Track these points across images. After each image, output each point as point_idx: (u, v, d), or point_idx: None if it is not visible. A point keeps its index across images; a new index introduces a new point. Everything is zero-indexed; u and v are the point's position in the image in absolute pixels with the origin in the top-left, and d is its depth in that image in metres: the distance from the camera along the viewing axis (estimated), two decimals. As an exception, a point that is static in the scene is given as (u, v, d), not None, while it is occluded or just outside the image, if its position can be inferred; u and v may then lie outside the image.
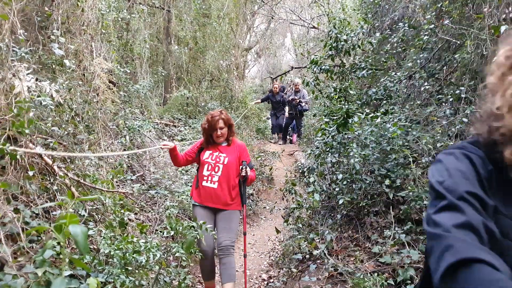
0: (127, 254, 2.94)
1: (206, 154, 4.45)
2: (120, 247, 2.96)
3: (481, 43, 4.74)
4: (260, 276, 5.91)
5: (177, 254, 3.01)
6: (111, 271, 2.84)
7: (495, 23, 4.37)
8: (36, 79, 4.03)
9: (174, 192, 6.71)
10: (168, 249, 2.97)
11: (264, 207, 9.35)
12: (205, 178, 4.36)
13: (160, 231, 4.85)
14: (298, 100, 13.25)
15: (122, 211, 3.85)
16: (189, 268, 5.42)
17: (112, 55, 7.35)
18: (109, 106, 5.99)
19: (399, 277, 3.85)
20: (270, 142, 14.16)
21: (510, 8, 4.11)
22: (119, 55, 9.17)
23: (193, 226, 2.99)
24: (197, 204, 4.45)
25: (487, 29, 4.49)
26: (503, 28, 4.06)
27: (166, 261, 3.28)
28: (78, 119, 5.26)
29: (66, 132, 4.66)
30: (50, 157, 3.56)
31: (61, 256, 1.93)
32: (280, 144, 13.78)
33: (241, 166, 4.47)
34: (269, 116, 15.39)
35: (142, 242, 2.95)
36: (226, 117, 4.42)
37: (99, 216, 3.80)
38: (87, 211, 3.68)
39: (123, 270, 2.89)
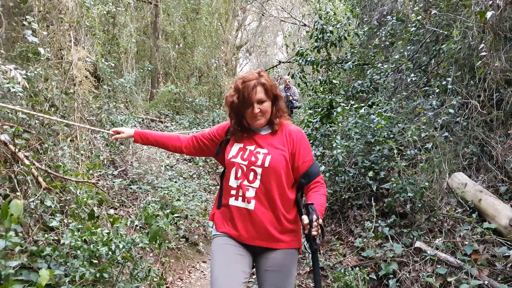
0: (91, 246, 2.78)
1: (234, 150, 2.48)
2: (84, 238, 2.79)
3: (468, 31, 4.62)
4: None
5: (140, 245, 2.84)
6: (73, 264, 2.67)
7: (482, 9, 4.25)
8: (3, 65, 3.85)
9: (157, 188, 6.54)
10: (133, 240, 2.80)
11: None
12: (233, 192, 2.41)
13: (137, 226, 4.69)
14: (290, 98, 13.10)
15: (94, 203, 3.67)
16: (169, 264, 5.26)
17: (97, 49, 7.17)
18: (87, 98, 5.81)
19: (382, 271, 3.72)
20: None
21: (496, -5, 4.00)
22: (104, 49, 9.00)
23: (158, 215, 2.83)
24: (219, 234, 2.46)
25: (474, 16, 4.37)
26: (489, 14, 3.95)
27: (133, 253, 3.11)
28: (54, 110, 5.08)
29: (39, 122, 4.48)
30: (14, 145, 3.38)
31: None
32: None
33: (303, 207, 2.39)
34: None
35: (105, 233, 2.78)
36: (269, 83, 2.44)
37: (67, 207, 3.62)
38: (55, 201, 3.50)
39: (86, 263, 2.72)
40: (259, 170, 2.35)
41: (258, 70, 2.52)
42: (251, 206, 2.34)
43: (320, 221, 2.15)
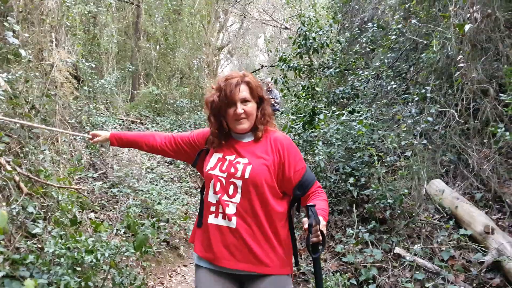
0: (76, 253, 2.76)
1: (212, 161, 2.20)
2: (68, 246, 2.78)
3: (447, 42, 4.75)
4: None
5: (127, 254, 2.84)
6: (57, 272, 2.66)
7: (460, 22, 4.38)
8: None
9: (138, 191, 6.51)
10: (119, 248, 2.80)
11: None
12: (212, 208, 2.13)
13: (120, 231, 4.66)
14: (272, 101, 13.17)
15: (76, 209, 3.64)
16: (150, 268, 5.24)
17: (77, 49, 7.08)
18: (68, 100, 5.74)
19: (362, 277, 3.80)
20: None
21: (474, 8, 4.13)
22: (85, 49, 8.89)
23: (143, 224, 2.83)
24: (200, 266, 2.19)
25: (453, 27, 4.50)
26: (467, 27, 4.07)
27: (119, 261, 3.11)
28: (34, 112, 5.01)
29: (19, 125, 4.41)
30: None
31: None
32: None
33: (303, 210, 2.24)
34: None
35: (91, 241, 2.77)
36: (254, 83, 2.19)
37: (50, 213, 3.58)
38: (37, 207, 3.46)
39: (70, 271, 2.71)
40: (239, 183, 2.06)
41: (243, 71, 2.27)
42: (233, 224, 2.05)
43: (322, 225, 1.89)
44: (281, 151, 2.13)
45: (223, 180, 2.10)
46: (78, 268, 2.89)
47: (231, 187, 2.08)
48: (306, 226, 1.87)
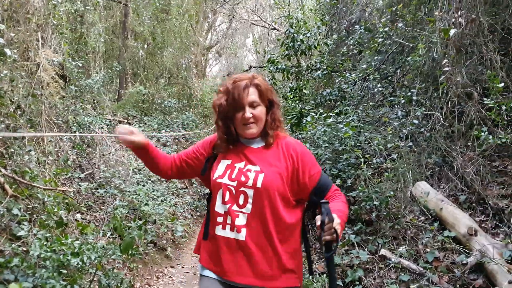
0: (61, 256, 2.75)
1: (220, 169, 2.07)
2: (53, 248, 2.76)
3: (432, 46, 4.82)
4: (211, 278, 5.76)
5: (113, 257, 2.83)
6: (42, 275, 2.64)
7: (445, 26, 4.45)
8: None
9: (125, 192, 6.47)
10: (105, 250, 2.79)
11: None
12: (219, 219, 2.01)
13: (106, 234, 4.64)
14: None
15: (62, 211, 3.62)
16: (137, 270, 5.22)
17: (64, 48, 7.02)
18: (55, 100, 5.68)
19: (348, 278, 3.83)
20: None
21: (459, 13, 4.19)
22: (72, 48, 8.81)
23: (130, 227, 2.83)
24: (205, 276, 2.07)
25: (438, 32, 4.56)
26: (452, 32, 4.13)
27: (105, 263, 3.10)
28: (19, 113, 4.96)
29: (4, 125, 4.37)
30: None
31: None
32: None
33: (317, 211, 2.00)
34: None
35: (77, 244, 2.76)
36: (264, 86, 2.08)
37: (35, 215, 3.56)
38: (22, 209, 3.43)
39: (56, 274, 2.69)
40: (250, 192, 1.93)
41: (252, 73, 2.16)
42: (241, 236, 1.92)
43: (336, 223, 1.78)
44: (294, 157, 2.02)
45: (233, 189, 1.96)
46: (64, 271, 2.87)
47: (241, 196, 1.94)
48: (318, 223, 1.80)
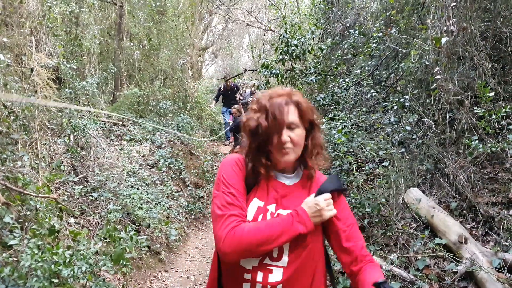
0: (53, 266, 2.75)
1: (251, 210, 1.68)
2: (45, 258, 2.76)
3: (424, 53, 4.85)
4: (204, 282, 5.78)
5: (104, 268, 2.84)
6: (33, 285, 2.64)
7: (438, 34, 4.48)
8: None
9: (119, 195, 6.47)
10: (97, 261, 2.80)
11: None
12: (247, 276, 1.62)
13: (99, 241, 4.64)
14: None
15: (55, 217, 3.62)
16: (130, 274, 5.23)
17: (58, 50, 7.01)
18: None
19: (340, 285, 3.86)
20: (224, 144, 13.84)
21: (451, 21, 4.22)
22: (66, 50, 8.80)
23: (122, 238, 2.84)
24: None
25: (430, 40, 4.59)
26: (443, 40, 4.16)
27: (98, 270, 3.11)
28: (13, 117, 4.95)
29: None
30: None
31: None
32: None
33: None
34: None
35: (68, 254, 2.77)
36: (305, 104, 1.73)
37: (27, 223, 3.55)
38: (14, 217, 3.43)
39: (47, 284, 2.70)
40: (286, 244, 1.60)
41: (289, 88, 1.80)
42: None
43: None
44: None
45: None
46: (56, 280, 2.88)
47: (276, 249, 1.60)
48: None
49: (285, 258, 1.60)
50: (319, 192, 1.67)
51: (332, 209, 1.63)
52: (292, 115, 1.66)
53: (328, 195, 1.65)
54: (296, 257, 1.61)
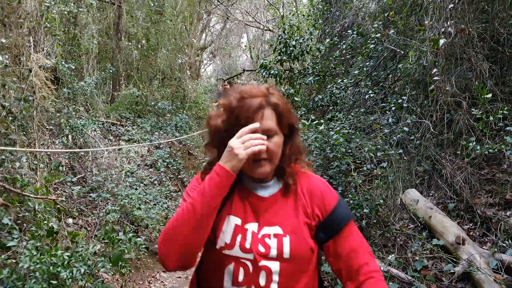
0: (51, 267, 2.76)
1: (227, 232, 1.39)
2: (43, 259, 2.77)
3: (422, 54, 4.86)
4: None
5: (103, 270, 2.85)
6: (31, 287, 2.65)
7: (435, 35, 4.49)
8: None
9: (117, 196, 6.47)
10: (96, 263, 2.81)
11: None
12: None
13: (98, 243, 4.64)
14: None
15: (54, 218, 3.62)
16: (129, 274, 5.23)
17: (57, 50, 7.01)
18: (47, 105, 5.67)
19: (338, 286, 3.87)
20: None
21: (448, 22, 4.24)
22: (65, 50, 8.79)
23: (121, 239, 2.85)
24: None
25: (428, 41, 4.61)
26: (441, 42, 4.18)
27: (96, 271, 3.11)
28: (11, 118, 4.95)
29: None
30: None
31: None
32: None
33: None
34: None
35: (67, 256, 2.77)
36: (284, 105, 1.42)
37: (26, 224, 3.56)
38: (12, 218, 3.43)
39: (46, 285, 2.70)
40: (275, 266, 1.33)
41: (266, 85, 1.46)
42: None
43: None
44: (323, 209, 1.43)
45: (249, 264, 1.34)
46: (54, 282, 2.88)
47: (262, 274, 1.33)
48: None
49: (274, 286, 1.33)
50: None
51: (252, 144, 1.30)
52: (269, 120, 1.37)
53: (247, 129, 1.32)
54: (286, 286, 1.35)
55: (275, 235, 1.36)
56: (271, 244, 1.35)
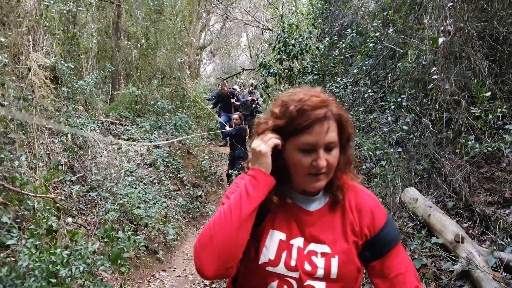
0: (50, 266, 2.76)
1: (271, 247, 1.32)
2: (43, 258, 2.77)
3: (422, 53, 4.86)
4: (202, 281, 5.80)
5: (102, 268, 2.85)
6: (30, 285, 2.65)
7: (435, 34, 4.49)
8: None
9: (117, 195, 6.47)
10: (94, 261, 2.81)
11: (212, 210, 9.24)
12: None
13: (97, 241, 4.64)
14: (256, 102, 13.15)
15: (53, 217, 3.63)
16: (128, 273, 5.23)
17: (56, 49, 7.01)
18: (45, 104, 5.67)
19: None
20: (219, 145, 13.65)
21: (447, 21, 4.24)
22: (64, 49, 8.79)
23: (120, 238, 2.85)
24: None
25: (427, 40, 4.61)
26: (440, 40, 4.18)
27: (96, 270, 3.11)
28: (10, 117, 4.95)
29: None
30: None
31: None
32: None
33: None
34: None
35: (66, 254, 2.77)
36: (345, 116, 1.32)
37: (25, 223, 3.56)
38: (11, 216, 3.43)
39: (45, 283, 2.70)
40: (320, 286, 1.27)
41: (320, 89, 1.38)
42: None
43: None
44: (371, 228, 1.35)
45: (294, 283, 1.28)
46: (53, 280, 2.89)
47: None
48: None
49: None
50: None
51: (269, 139, 1.29)
52: (332, 132, 1.26)
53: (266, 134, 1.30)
54: None
55: (323, 254, 1.30)
56: (318, 263, 1.29)
